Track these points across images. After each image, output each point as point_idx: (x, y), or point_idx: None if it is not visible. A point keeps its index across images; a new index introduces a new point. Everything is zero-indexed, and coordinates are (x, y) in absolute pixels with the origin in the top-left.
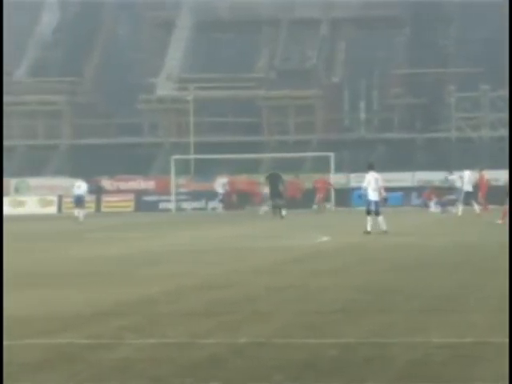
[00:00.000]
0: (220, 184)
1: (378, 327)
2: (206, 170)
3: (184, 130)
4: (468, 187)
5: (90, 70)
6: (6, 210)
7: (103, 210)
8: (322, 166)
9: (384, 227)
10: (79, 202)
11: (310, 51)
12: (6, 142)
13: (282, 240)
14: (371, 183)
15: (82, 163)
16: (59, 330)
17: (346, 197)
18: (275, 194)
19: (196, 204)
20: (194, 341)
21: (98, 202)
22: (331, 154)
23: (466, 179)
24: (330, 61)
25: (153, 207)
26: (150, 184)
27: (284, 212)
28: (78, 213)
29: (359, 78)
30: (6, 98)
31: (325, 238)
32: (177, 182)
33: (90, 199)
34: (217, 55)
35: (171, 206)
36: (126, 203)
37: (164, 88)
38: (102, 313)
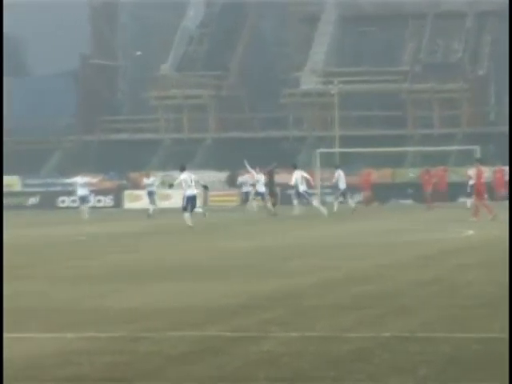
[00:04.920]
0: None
1: None
2: (350, 164)
3: (328, 123)
4: (342, 185)
5: (235, 65)
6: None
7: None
8: (467, 159)
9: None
10: (83, 200)
11: (456, 44)
12: (152, 136)
13: (427, 234)
14: (187, 182)
15: (227, 157)
16: (205, 323)
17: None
18: (271, 191)
19: (341, 197)
20: (338, 334)
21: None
22: (476, 148)
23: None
24: (476, 54)
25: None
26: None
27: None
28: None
29: (505, 70)
30: (152, 93)
31: (470, 232)
32: (321, 176)
33: (235, 192)
34: (361, 49)
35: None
36: None
37: (308, 82)
38: (247, 305)
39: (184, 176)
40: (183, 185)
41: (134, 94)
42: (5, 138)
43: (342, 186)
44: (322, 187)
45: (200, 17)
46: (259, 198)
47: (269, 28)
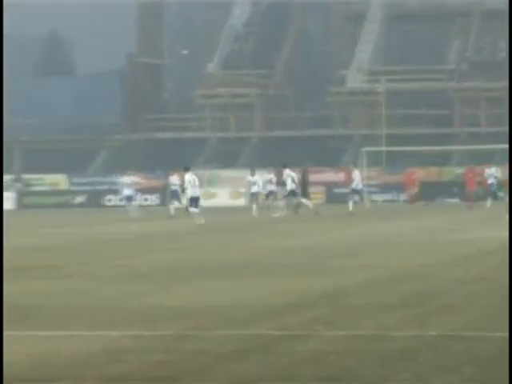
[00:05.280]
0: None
1: None
2: (396, 162)
3: (374, 122)
4: (357, 185)
5: (281, 63)
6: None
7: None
8: None
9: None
10: (129, 200)
11: (502, 42)
12: (198, 134)
13: (471, 232)
14: (191, 182)
15: (273, 155)
16: (251, 321)
17: None
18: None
19: (387, 196)
20: (384, 333)
21: None
22: None
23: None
24: None
25: (343, 199)
26: (340, 176)
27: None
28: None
29: None
30: (198, 91)
31: None
32: (367, 174)
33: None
34: (407, 47)
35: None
36: (317, 195)
37: (354, 80)
38: (293, 304)
39: (187, 177)
40: (187, 186)
41: (180, 93)
42: (52, 137)
43: (358, 186)
44: (368, 186)
45: (246, 15)
46: (254, 198)
47: (314, 26)
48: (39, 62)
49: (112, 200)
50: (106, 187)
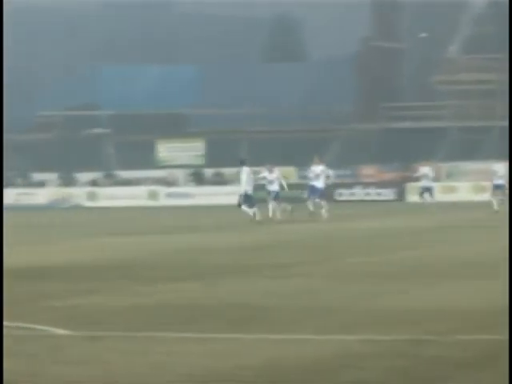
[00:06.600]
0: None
1: None
2: None
3: None
4: (426, 182)
5: None
6: (439, 196)
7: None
8: None
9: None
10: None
11: None
12: (437, 124)
13: None
14: (243, 178)
15: None
16: (494, 326)
17: None
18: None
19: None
20: None
21: None
22: None
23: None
24: None
25: None
26: None
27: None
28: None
29: None
30: (438, 77)
31: None
32: None
33: None
34: None
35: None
36: None
37: None
38: None
39: (244, 172)
40: (242, 181)
41: (419, 79)
42: (280, 127)
43: (426, 183)
44: None
45: None
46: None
47: None
48: (266, 46)
49: (343, 194)
50: (337, 180)
